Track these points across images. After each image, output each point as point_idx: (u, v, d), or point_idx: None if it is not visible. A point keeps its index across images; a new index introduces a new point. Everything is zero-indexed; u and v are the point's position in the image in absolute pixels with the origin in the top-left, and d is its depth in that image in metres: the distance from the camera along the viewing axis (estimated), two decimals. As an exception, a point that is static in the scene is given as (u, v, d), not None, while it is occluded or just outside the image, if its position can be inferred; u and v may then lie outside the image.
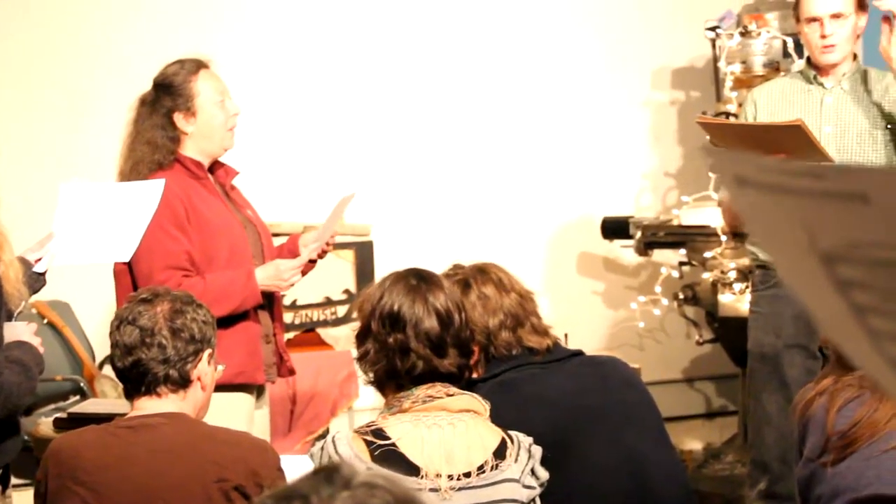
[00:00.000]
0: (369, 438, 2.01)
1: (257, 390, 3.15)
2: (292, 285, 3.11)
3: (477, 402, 2.10)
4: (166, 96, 3.04)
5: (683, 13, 5.07)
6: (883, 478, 1.89)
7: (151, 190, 2.83)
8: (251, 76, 4.60)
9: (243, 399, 3.08)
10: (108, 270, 3.03)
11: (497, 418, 2.12)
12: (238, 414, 3.00)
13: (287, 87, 4.75)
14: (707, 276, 4.50)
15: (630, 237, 4.71)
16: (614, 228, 4.79)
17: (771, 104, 3.57)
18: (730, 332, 4.31)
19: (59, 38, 4.56)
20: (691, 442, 5.09)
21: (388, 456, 1.99)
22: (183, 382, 2.17)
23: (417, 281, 2.13)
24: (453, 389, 2.09)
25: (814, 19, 3.50)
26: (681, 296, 4.66)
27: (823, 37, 3.47)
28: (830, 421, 2.00)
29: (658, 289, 4.88)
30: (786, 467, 3.36)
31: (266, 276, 3.01)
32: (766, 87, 3.71)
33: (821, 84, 3.55)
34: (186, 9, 4.65)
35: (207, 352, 2.20)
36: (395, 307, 2.10)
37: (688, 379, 5.30)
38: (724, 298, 4.36)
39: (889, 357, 0.54)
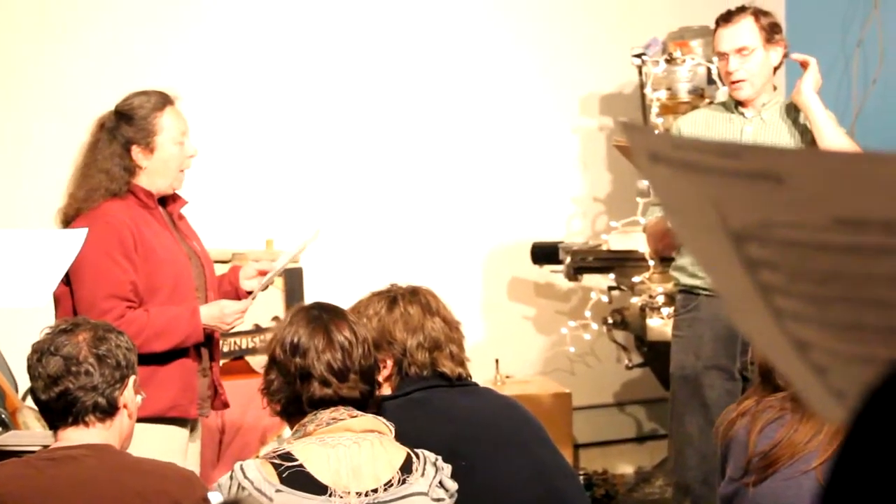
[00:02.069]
0: (277, 461, 2.06)
1: (191, 424, 3.13)
2: (234, 328, 3.11)
3: (380, 423, 2.16)
4: (127, 126, 3.01)
5: (611, 40, 5.13)
6: (802, 498, 1.91)
7: (72, 239, 2.79)
8: (187, 103, 4.56)
9: (177, 433, 3.05)
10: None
11: (408, 433, 2.20)
12: (171, 447, 2.97)
13: (225, 114, 4.72)
14: (635, 301, 4.54)
15: (560, 262, 4.74)
16: (544, 254, 4.81)
17: (695, 132, 3.63)
18: (658, 356, 4.35)
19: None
20: (622, 466, 5.12)
21: (296, 477, 2.04)
22: (111, 410, 2.15)
23: (320, 312, 2.21)
24: (357, 412, 2.15)
25: (722, 54, 3.58)
26: (610, 320, 4.70)
27: (728, 73, 3.55)
28: (752, 442, 2.02)
29: (588, 313, 4.91)
30: (707, 488, 3.39)
31: (210, 315, 2.99)
32: (690, 117, 3.78)
33: (741, 114, 3.61)
34: (125, 40, 4.60)
35: (132, 378, 2.18)
36: (297, 337, 2.16)
37: (618, 403, 5.32)
38: (653, 323, 4.40)
39: (791, 336, 0.55)
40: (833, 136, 3.47)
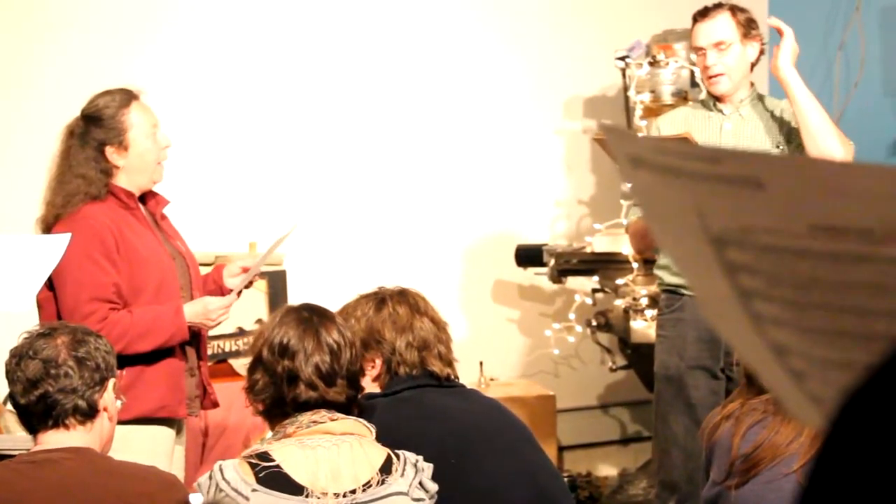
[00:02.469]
0: (254, 461, 2.06)
1: (177, 425, 3.12)
2: (219, 324, 3.09)
3: (361, 426, 2.16)
4: (97, 129, 2.99)
5: (594, 43, 5.14)
6: (783, 501, 1.92)
7: (55, 244, 2.78)
8: (167, 106, 4.55)
9: (164, 434, 3.05)
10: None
11: (396, 431, 2.20)
12: (158, 449, 2.97)
13: (205, 116, 4.71)
14: (619, 303, 4.54)
15: (544, 265, 4.74)
16: (528, 256, 4.81)
17: (674, 130, 3.65)
18: (642, 358, 4.36)
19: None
20: (606, 468, 5.13)
21: (273, 477, 2.04)
22: (91, 412, 2.14)
23: (310, 314, 2.20)
24: (337, 415, 2.15)
25: (699, 49, 3.60)
26: (594, 323, 4.70)
27: (706, 67, 3.57)
28: (735, 444, 2.03)
29: (572, 316, 4.91)
30: (693, 487, 3.40)
31: (194, 313, 2.98)
32: (669, 115, 3.80)
33: (720, 111, 3.63)
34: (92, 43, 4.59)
35: (112, 380, 2.18)
36: (286, 339, 2.15)
37: (603, 405, 5.33)
38: (636, 325, 4.40)
39: (770, 341, 0.55)
40: (818, 123, 3.43)
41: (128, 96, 3.04)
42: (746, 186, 0.52)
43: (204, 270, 3.35)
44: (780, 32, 3.55)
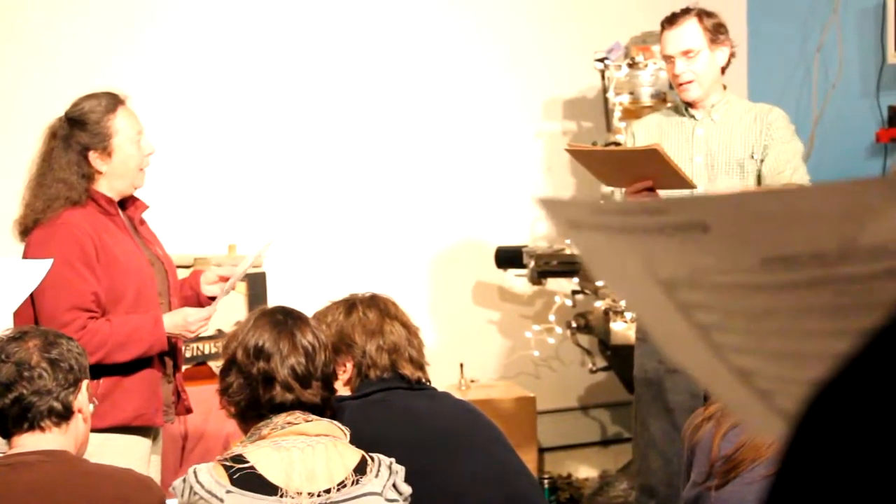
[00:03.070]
0: (228, 464, 2.07)
1: (154, 433, 3.10)
2: (198, 335, 3.08)
3: (335, 428, 2.17)
4: (81, 133, 2.96)
5: (574, 45, 5.14)
6: (763, 502, 1.92)
7: (35, 269, 2.75)
8: (148, 108, 4.52)
9: (140, 443, 3.03)
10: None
11: (367, 433, 2.20)
12: (134, 458, 2.95)
13: (187, 119, 4.69)
14: (599, 305, 4.55)
15: (524, 266, 4.74)
16: (508, 258, 4.81)
17: (648, 136, 3.66)
18: (621, 359, 4.36)
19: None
20: (587, 469, 5.13)
21: (247, 478, 2.04)
22: (66, 414, 2.13)
23: (284, 317, 2.20)
24: (312, 417, 2.15)
25: (668, 57, 3.61)
26: (574, 324, 4.70)
27: (675, 75, 3.58)
28: (716, 445, 2.03)
29: (552, 317, 4.91)
30: (672, 491, 3.41)
31: (173, 324, 2.96)
32: (644, 121, 3.80)
33: (692, 116, 3.64)
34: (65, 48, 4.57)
35: (85, 382, 2.17)
36: (261, 341, 2.15)
37: (583, 407, 5.33)
38: (616, 326, 4.41)
39: (734, 368, 0.55)
40: None
41: (114, 101, 3.01)
42: (692, 231, 0.51)
43: (182, 272, 3.33)
44: None
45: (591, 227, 0.55)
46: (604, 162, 3.44)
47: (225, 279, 3.16)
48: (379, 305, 2.53)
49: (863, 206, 0.47)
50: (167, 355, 3.08)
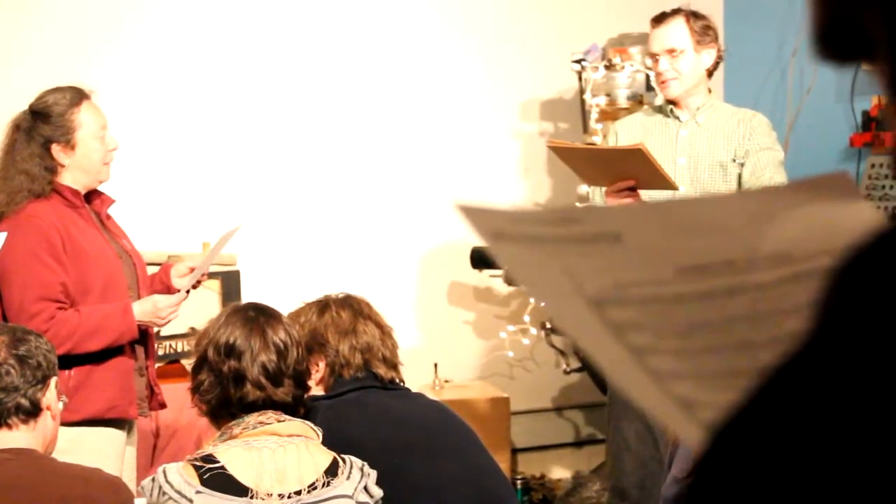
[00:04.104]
0: (198, 464, 2.06)
1: (128, 426, 3.09)
2: (168, 322, 3.07)
3: (307, 428, 2.16)
4: (44, 125, 2.95)
5: (551, 46, 5.15)
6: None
7: None
8: (120, 105, 4.51)
9: (115, 435, 3.02)
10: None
11: (340, 432, 2.19)
12: (109, 450, 2.94)
13: (160, 115, 4.67)
14: (574, 306, 4.55)
15: (499, 267, 4.75)
16: (483, 258, 4.81)
17: (632, 135, 3.67)
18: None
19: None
20: (560, 470, 5.14)
21: (217, 479, 2.04)
22: (34, 411, 2.12)
23: (256, 314, 2.19)
24: (284, 416, 2.14)
25: (654, 55, 3.63)
26: (549, 325, 4.71)
27: (658, 73, 3.60)
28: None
29: (527, 318, 4.92)
30: (644, 493, 3.41)
31: (143, 311, 2.95)
32: (627, 120, 3.81)
33: (676, 117, 3.65)
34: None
35: (54, 379, 2.16)
36: (232, 339, 2.14)
37: (557, 408, 5.34)
38: (590, 327, 4.42)
39: (676, 397, 0.54)
40: None
41: (79, 95, 3.00)
42: (606, 241, 0.51)
43: (155, 269, 3.33)
44: None
45: (514, 238, 0.54)
46: (586, 160, 3.45)
47: (194, 270, 3.16)
48: (352, 305, 2.52)
49: (765, 213, 0.47)
50: (139, 344, 3.07)
